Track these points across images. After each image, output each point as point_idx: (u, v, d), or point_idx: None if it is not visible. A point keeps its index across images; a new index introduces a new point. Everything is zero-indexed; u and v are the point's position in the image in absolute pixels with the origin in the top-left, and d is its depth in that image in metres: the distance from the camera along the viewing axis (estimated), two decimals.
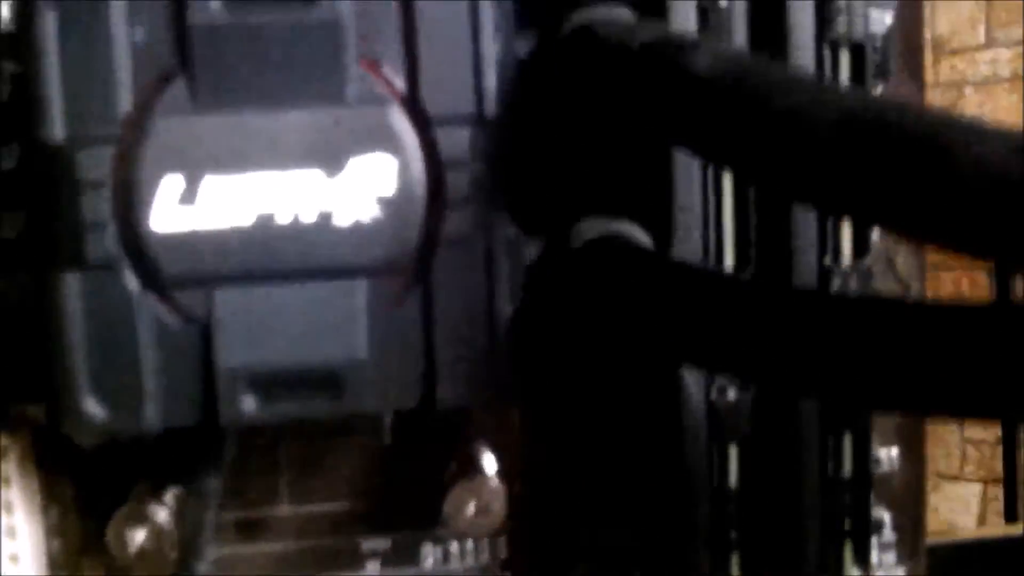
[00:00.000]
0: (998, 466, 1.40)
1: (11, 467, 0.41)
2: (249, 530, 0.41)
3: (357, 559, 0.42)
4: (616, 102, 0.32)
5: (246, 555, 0.41)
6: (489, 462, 0.40)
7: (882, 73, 0.40)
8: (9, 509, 0.41)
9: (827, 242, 0.37)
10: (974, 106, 1.74)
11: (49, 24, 0.33)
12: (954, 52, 1.76)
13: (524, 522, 0.40)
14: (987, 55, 1.73)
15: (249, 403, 0.35)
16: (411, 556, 0.42)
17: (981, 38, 1.75)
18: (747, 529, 0.38)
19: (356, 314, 0.34)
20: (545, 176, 0.36)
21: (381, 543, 0.42)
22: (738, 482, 0.37)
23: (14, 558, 0.41)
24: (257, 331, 0.34)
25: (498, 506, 0.39)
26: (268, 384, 0.35)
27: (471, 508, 0.39)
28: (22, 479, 0.41)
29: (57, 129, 0.33)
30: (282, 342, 0.34)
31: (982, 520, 1.82)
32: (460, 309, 0.35)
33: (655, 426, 0.36)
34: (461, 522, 0.39)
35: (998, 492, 1.42)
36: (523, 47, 0.36)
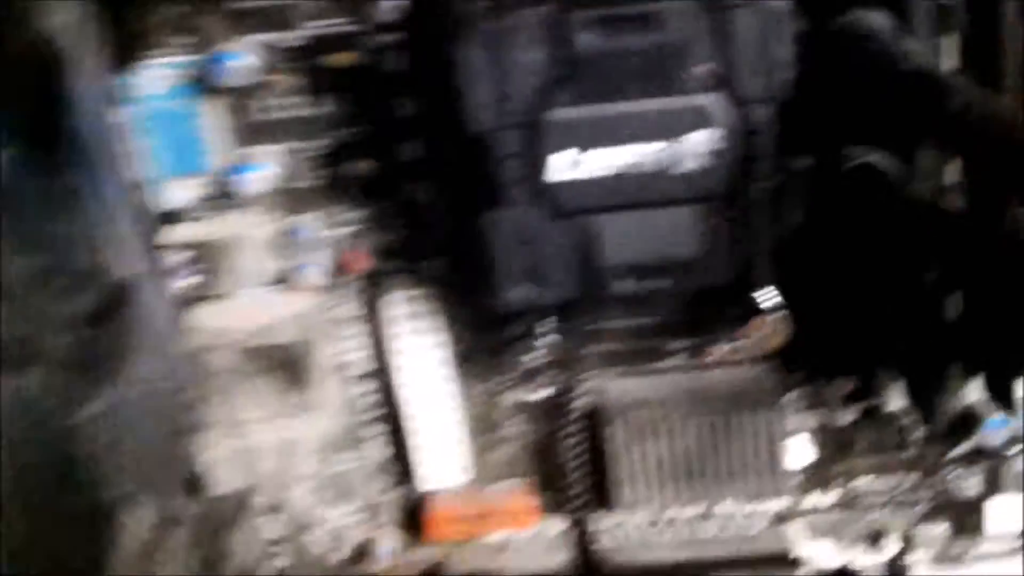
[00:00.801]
0: None
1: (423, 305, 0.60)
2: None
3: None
4: (884, 95, 0.47)
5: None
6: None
7: None
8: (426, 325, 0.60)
9: None
10: None
11: (478, 50, 0.49)
12: None
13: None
14: None
15: (629, 283, 0.53)
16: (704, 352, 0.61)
17: None
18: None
19: (693, 228, 0.52)
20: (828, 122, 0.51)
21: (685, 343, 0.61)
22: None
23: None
24: (630, 239, 0.52)
25: (780, 332, 0.57)
26: (640, 271, 0.52)
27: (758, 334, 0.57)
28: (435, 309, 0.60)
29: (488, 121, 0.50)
30: (647, 246, 0.52)
31: None
32: (760, 223, 0.52)
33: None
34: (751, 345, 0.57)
35: None
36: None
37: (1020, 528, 0.63)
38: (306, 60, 0.55)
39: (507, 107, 0.50)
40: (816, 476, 0.64)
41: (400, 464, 0.64)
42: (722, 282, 0.54)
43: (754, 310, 0.56)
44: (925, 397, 0.55)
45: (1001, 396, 0.52)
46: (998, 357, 0.51)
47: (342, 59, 0.55)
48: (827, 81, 0.50)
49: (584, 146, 0.50)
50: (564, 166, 0.50)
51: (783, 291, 0.55)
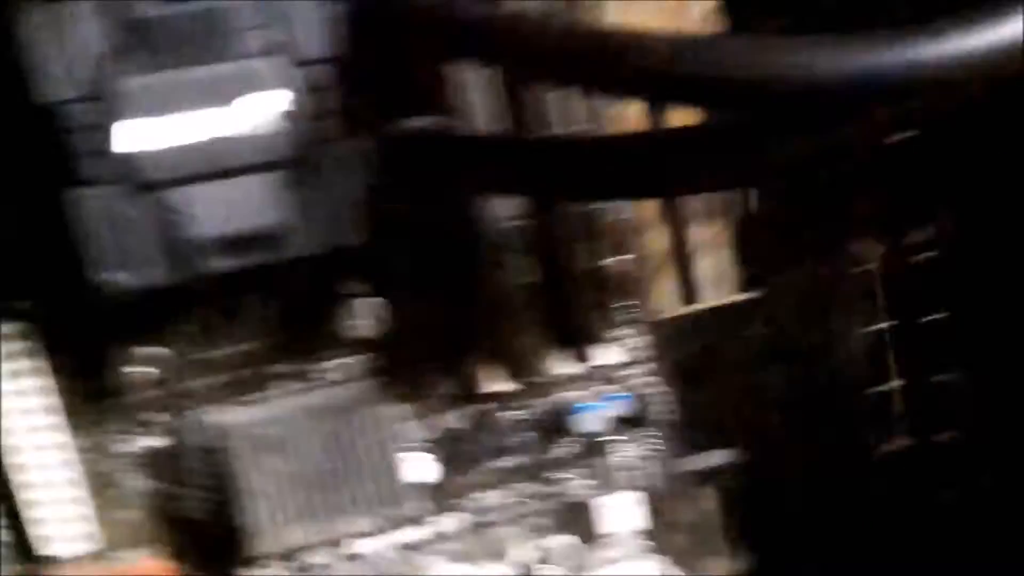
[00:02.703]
0: None
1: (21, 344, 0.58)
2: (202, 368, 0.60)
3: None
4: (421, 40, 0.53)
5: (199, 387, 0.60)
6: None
7: None
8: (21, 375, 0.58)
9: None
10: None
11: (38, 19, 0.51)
12: None
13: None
14: None
15: (216, 260, 0.54)
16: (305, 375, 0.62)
17: None
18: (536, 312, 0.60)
19: (273, 195, 0.54)
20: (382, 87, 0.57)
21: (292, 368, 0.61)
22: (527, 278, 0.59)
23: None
24: (216, 211, 0.54)
25: (379, 321, 0.59)
26: (228, 246, 0.54)
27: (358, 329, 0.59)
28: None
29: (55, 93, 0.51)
30: (233, 218, 0.54)
31: None
32: (337, 187, 0.55)
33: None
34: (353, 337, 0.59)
35: None
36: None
37: (640, 527, 0.66)
38: None
39: (73, 77, 0.51)
40: (441, 494, 0.64)
41: (15, 534, 0.59)
42: (316, 251, 0.55)
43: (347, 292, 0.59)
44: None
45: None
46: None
47: None
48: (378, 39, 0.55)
49: (152, 114, 0.52)
50: (136, 136, 0.52)
51: (377, 263, 0.58)
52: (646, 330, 0.66)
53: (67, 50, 0.51)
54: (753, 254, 0.67)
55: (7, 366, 0.57)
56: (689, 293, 0.66)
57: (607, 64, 0.44)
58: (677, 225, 0.64)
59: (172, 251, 0.53)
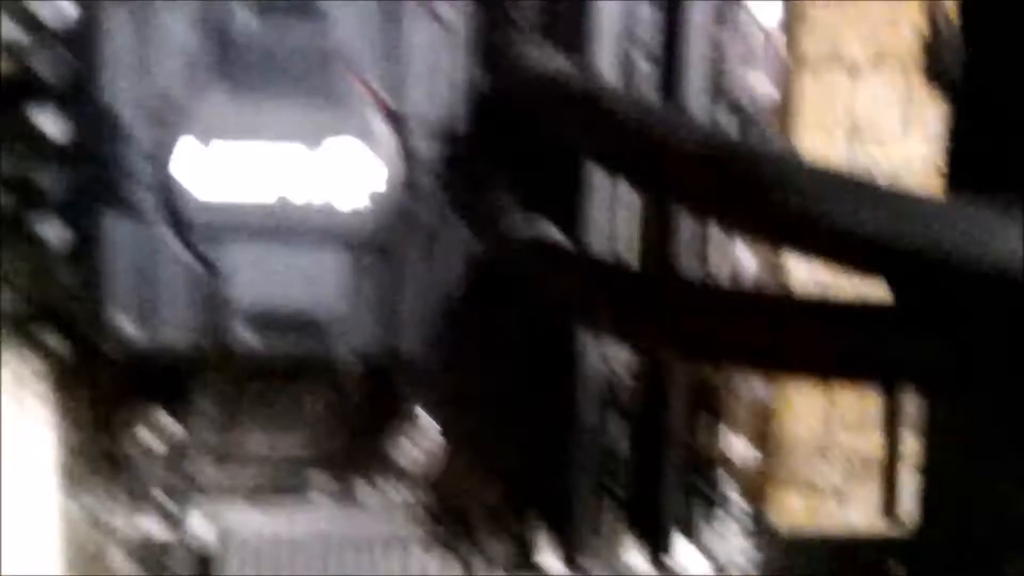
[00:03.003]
0: None
1: (37, 386, 0.50)
2: (218, 457, 0.51)
3: (304, 490, 0.51)
4: (553, 129, 0.43)
5: (212, 478, 0.51)
6: (425, 418, 0.50)
7: (762, 137, 0.51)
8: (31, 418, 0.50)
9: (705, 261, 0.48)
10: None
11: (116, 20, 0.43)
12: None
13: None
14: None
15: (249, 335, 0.45)
16: (350, 493, 0.51)
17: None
18: (624, 485, 0.48)
19: (340, 276, 0.45)
20: (487, 183, 0.47)
21: (326, 479, 0.51)
22: (622, 444, 0.48)
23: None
24: (261, 279, 0.44)
25: (434, 453, 0.49)
26: (265, 322, 0.45)
27: (411, 450, 0.49)
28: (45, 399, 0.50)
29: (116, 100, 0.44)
30: (279, 291, 0.45)
31: None
32: (421, 283, 0.45)
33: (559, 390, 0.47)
34: (403, 461, 0.49)
35: None
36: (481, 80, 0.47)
37: None
38: None
39: (145, 84, 0.44)
40: None
41: None
42: (373, 350, 0.46)
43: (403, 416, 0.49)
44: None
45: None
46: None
47: None
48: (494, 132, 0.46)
49: (217, 138, 0.44)
50: (200, 167, 0.44)
51: (445, 381, 0.48)
52: (757, 542, 0.54)
53: (142, 57, 0.44)
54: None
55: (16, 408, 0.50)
56: (890, 503, 0.54)
57: (750, 196, 0.33)
58: (894, 424, 0.52)
59: (202, 313, 0.45)
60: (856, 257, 0.34)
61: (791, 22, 0.53)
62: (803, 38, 0.54)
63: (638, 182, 0.42)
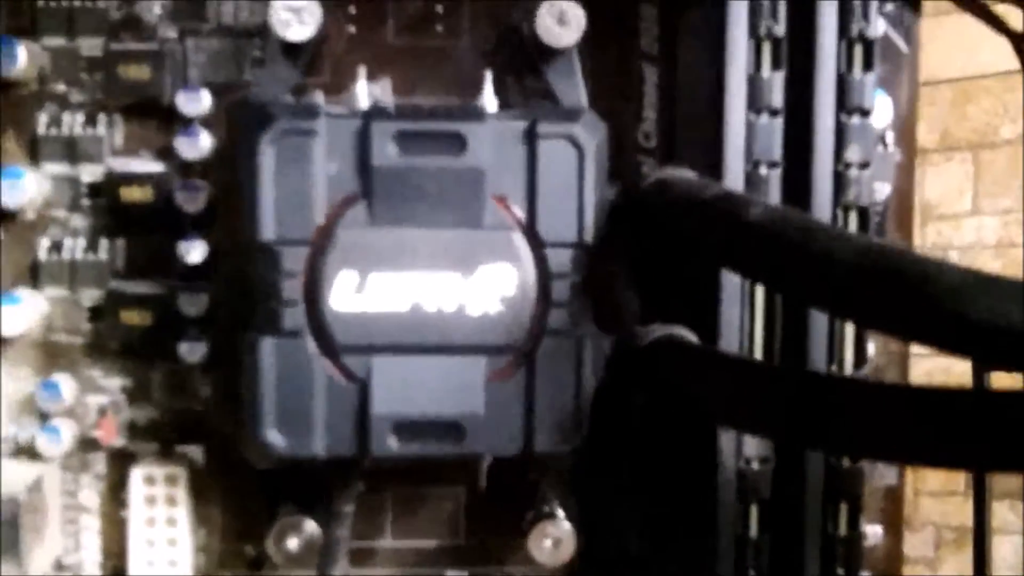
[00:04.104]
0: None
1: (179, 492, 0.52)
2: (358, 556, 0.52)
3: None
4: (686, 240, 0.44)
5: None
6: (560, 510, 0.50)
7: (880, 232, 0.52)
8: (173, 523, 0.52)
9: (834, 353, 0.48)
10: None
11: (268, 154, 0.45)
12: (941, 217, 1.91)
13: (587, 562, 0.51)
14: (973, 222, 1.87)
15: (392, 442, 0.46)
16: None
17: (968, 205, 1.90)
18: (762, 572, 0.48)
19: (477, 381, 0.46)
20: (622, 290, 0.48)
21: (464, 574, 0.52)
22: (758, 532, 0.48)
23: (172, 563, 0.52)
24: (403, 389, 0.46)
25: (569, 544, 0.50)
26: (408, 429, 0.46)
27: (548, 544, 0.50)
28: (184, 504, 0.52)
29: (268, 231, 0.45)
30: (421, 399, 0.46)
31: None
32: (555, 384, 0.46)
33: (698, 483, 0.47)
34: (540, 555, 0.50)
35: None
36: (612, 192, 0.48)
37: None
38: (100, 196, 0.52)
39: (294, 218, 0.46)
40: None
41: None
42: (510, 453, 0.47)
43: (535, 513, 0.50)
44: None
45: None
46: None
47: (135, 194, 0.52)
48: (633, 243, 0.47)
49: (370, 270, 0.46)
50: (347, 291, 0.46)
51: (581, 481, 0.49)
52: None
53: (293, 186, 0.45)
54: None
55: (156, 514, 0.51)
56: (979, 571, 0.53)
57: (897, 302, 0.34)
58: (982, 492, 0.52)
59: (345, 425, 0.46)
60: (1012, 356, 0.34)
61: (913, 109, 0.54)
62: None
63: (789, 293, 0.43)
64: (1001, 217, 1.90)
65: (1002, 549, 0.49)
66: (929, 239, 1.94)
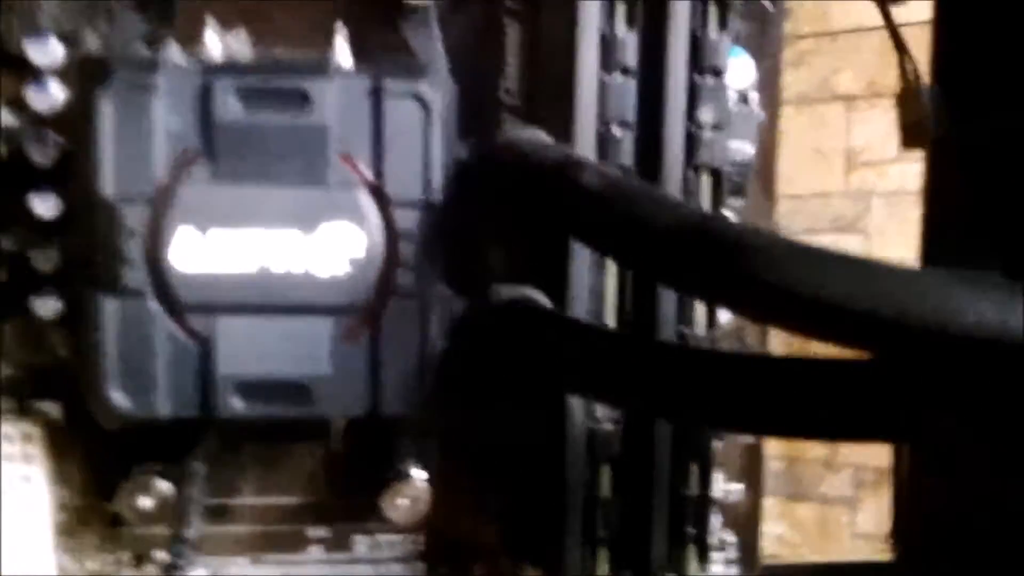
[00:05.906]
0: None
1: (32, 449, 0.51)
2: (215, 514, 0.52)
3: (302, 544, 0.52)
4: (530, 204, 0.44)
5: (211, 534, 0.52)
6: (416, 469, 0.50)
7: (740, 192, 0.52)
8: (27, 480, 0.51)
9: (686, 314, 0.49)
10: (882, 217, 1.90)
11: (107, 109, 0.44)
12: (867, 164, 1.92)
13: (440, 519, 0.51)
14: (897, 168, 1.89)
15: (238, 403, 0.45)
16: (347, 544, 0.52)
17: (893, 152, 1.91)
18: (613, 530, 0.49)
19: (324, 343, 0.46)
20: (473, 250, 0.48)
21: (323, 531, 0.52)
22: (608, 492, 0.48)
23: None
24: (248, 350, 0.45)
25: (423, 504, 0.50)
26: (254, 390, 0.45)
27: (402, 503, 0.50)
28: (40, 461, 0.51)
29: (108, 188, 0.44)
30: (267, 360, 0.45)
31: None
32: (402, 345, 0.46)
33: (546, 443, 0.48)
34: (393, 515, 0.50)
35: None
36: (463, 151, 0.47)
37: None
38: None
39: (135, 175, 0.45)
40: None
41: None
42: (358, 413, 0.47)
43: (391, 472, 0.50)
44: None
45: None
46: None
47: None
48: (480, 202, 0.47)
49: (211, 227, 0.45)
50: (189, 249, 0.45)
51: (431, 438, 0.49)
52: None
53: (133, 142, 0.44)
54: None
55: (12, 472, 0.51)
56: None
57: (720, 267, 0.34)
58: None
59: (190, 385, 0.45)
60: (838, 330, 0.34)
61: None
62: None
63: (616, 258, 0.43)
64: (924, 164, 1.91)
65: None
66: (853, 185, 1.95)
